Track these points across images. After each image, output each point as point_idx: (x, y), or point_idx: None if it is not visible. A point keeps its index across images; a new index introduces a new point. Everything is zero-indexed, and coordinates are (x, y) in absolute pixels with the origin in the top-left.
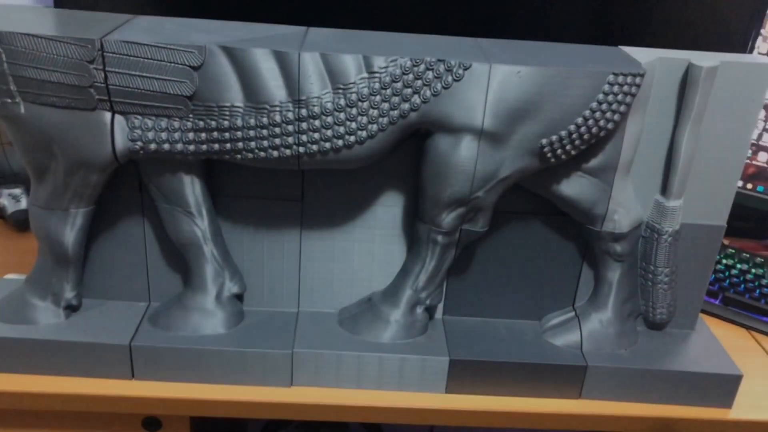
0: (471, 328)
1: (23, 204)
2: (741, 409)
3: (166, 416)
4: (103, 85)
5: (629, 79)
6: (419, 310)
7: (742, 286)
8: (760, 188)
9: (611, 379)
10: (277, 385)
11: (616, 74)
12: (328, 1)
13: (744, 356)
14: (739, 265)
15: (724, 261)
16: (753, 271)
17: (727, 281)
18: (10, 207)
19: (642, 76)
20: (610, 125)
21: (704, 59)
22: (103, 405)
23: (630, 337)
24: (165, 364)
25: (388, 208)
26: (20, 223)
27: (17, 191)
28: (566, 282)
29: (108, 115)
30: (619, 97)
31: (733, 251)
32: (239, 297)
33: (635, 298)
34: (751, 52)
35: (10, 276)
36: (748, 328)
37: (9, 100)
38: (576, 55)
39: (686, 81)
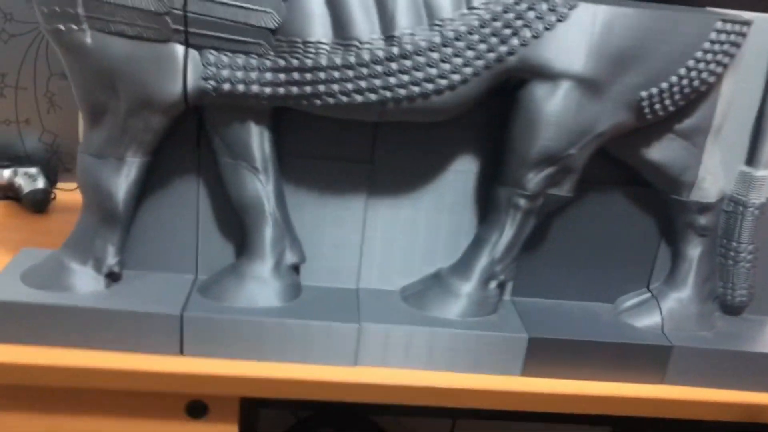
0: (543, 309)
1: (40, 183)
2: None
3: (214, 399)
4: (180, 12)
5: (737, 27)
6: (492, 285)
7: None
8: None
9: (697, 362)
10: (341, 364)
11: (724, 21)
12: None
13: None
14: None
15: None
16: None
17: None
18: (26, 186)
19: (749, 25)
20: (712, 79)
21: None
22: (147, 383)
23: (711, 319)
24: (219, 338)
25: (461, 174)
26: (36, 203)
27: (33, 170)
28: (642, 261)
29: (181, 48)
30: (725, 47)
31: None
32: (296, 269)
33: (714, 280)
34: None
35: (28, 249)
36: None
37: (75, 27)
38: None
39: None
